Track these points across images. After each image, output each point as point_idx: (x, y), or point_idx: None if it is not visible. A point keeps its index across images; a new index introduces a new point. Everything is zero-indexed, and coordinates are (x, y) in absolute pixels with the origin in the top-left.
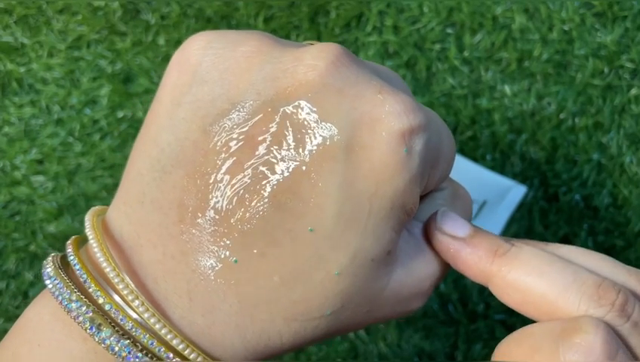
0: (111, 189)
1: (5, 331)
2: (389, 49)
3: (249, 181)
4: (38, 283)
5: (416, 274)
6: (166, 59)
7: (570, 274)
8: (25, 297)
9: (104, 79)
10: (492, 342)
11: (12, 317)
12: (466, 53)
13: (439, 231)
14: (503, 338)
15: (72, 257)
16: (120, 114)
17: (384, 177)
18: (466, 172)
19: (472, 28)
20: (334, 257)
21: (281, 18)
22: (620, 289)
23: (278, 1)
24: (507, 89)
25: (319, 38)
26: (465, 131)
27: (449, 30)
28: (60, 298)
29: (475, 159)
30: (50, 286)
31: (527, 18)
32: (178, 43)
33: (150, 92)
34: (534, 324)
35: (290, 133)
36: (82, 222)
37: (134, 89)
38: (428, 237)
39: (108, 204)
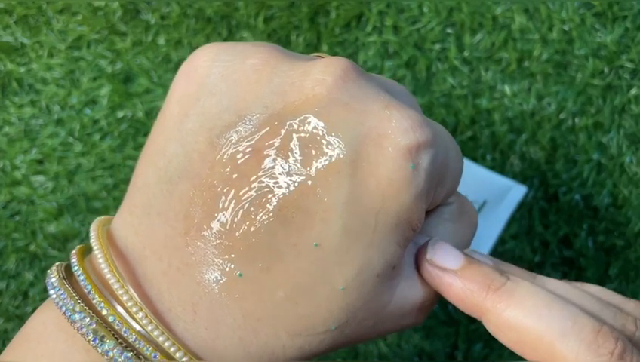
0: (111, 189)
1: (5, 331)
2: (389, 49)
3: (254, 194)
4: (38, 283)
5: (421, 287)
6: (166, 59)
7: (569, 317)
8: (25, 297)
9: (104, 79)
10: (492, 342)
11: (12, 317)
12: (466, 53)
13: (429, 263)
14: None
15: (76, 267)
16: (120, 114)
17: (390, 193)
18: (465, 172)
19: (472, 28)
20: (339, 272)
21: (281, 18)
22: (619, 336)
23: (278, 1)
24: (507, 89)
25: (319, 38)
26: (465, 131)
27: (449, 30)
28: (64, 308)
29: (475, 159)
30: (54, 296)
31: (527, 18)
32: (178, 43)
33: (150, 92)
34: None
35: (297, 147)
36: (82, 222)
37: (134, 89)
38: (418, 267)
39: (108, 204)
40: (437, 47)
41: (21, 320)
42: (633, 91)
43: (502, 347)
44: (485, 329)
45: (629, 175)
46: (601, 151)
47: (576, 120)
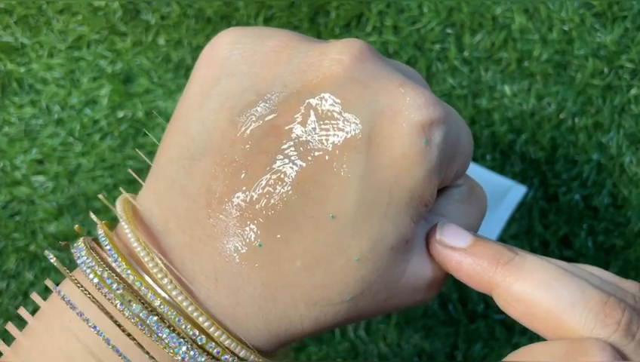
0: (111, 189)
1: (5, 331)
2: (389, 49)
3: (274, 169)
4: (38, 283)
5: (432, 263)
6: (166, 59)
7: (577, 289)
8: (25, 297)
9: (104, 79)
10: (492, 341)
11: (12, 317)
12: (465, 53)
13: (439, 244)
14: (503, 338)
15: (103, 238)
16: (120, 114)
17: (404, 168)
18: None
19: (471, 28)
20: (355, 244)
21: (281, 18)
22: (626, 307)
23: (278, 1)
24: (507, 89)
25: (319, 38)
26: None
27: (449, 30)
28: (92, 275)
29: (475, 159)
30: (81, 263)
31: (526, 18)
32: (178, 43)
33: (150, 92)
34: (538, 343)
35: (315, 123)
36: (82, 223)
37: (134, 89)
38: (429, 249)
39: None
40: (437, 47)
41: (21, 320)
42: (633, 91)
43: (501, 346)
44: (485, 329)
45: (629, 175)
46: (601, 151)
47: (576, 120)
